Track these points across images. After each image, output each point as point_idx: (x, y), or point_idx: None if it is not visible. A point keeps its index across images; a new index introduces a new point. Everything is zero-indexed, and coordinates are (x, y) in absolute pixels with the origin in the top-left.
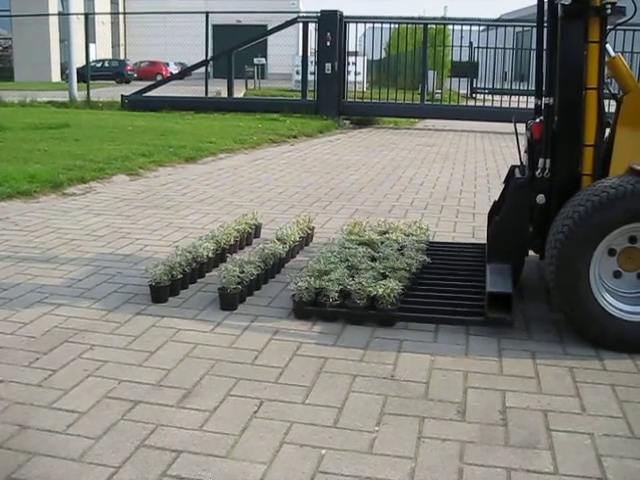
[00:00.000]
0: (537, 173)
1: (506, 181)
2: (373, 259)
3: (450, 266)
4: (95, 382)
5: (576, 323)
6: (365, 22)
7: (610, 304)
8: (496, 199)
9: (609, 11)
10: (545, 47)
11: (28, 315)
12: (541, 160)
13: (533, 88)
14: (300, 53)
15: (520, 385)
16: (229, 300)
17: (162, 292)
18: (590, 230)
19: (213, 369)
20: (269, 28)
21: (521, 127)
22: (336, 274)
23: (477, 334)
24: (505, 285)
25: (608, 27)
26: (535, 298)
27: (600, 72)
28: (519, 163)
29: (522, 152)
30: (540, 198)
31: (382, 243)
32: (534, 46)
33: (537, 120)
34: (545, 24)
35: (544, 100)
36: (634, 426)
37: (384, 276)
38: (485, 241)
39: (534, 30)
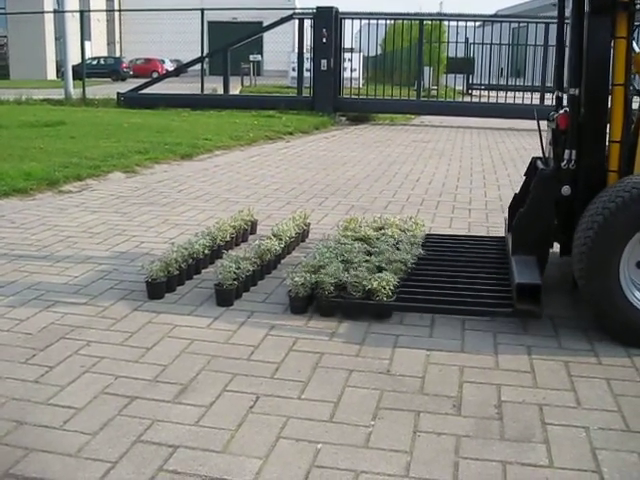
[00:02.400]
0: (562, 164)
1: (527, 174)
2: (369, 254)
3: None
4: (92, 378)
5: (607, 323)
6: (361, 18)
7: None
8: (517, 192)
9: (638, 6)
10: (568, 38)
11: (25, 312)
12: (567, 151)
13: (529, 84)
14: (296, 50)
15: (516, 379)
16: (225, 296)
17: (158, 288)
18: (621, 226)
19: (209, 365)
20: (265, 25)
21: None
22: (331, 268)
23: (473, 329)
24: (533, 276)
25: (636, 23)
26: None
27: (627, 68)
28: (540, 156)
29: (545, 144)
30: (565, 189)
31: (378, 239)
32: (530, 42)
33: (561, 111)
34: (567, 17)
35: (570, 91)
36: (629, 419)
37: (380, 270)
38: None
39: (530, 26)
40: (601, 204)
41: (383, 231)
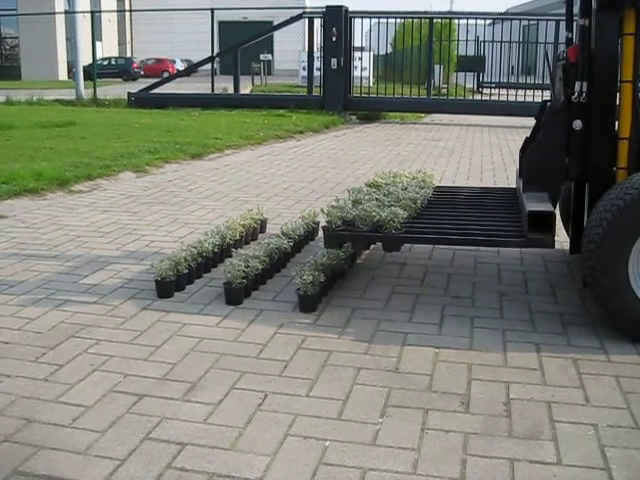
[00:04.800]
0: (573, 98)
1: (537, 117)
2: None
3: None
4: (101, 376)
5: (616, 320)
6: (370, 17)
7: None
8: (527, 136)
9: None
10: None
11: (35, 311)
12: (577, 83)
13: (539, 82)
14: (306, 49)
15: (524, 377)
16: (234, 295)
17: (168, 287)
18: (629, 223)
19: (218, 363)
20: (275, 24)
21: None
22: (340, 203)
23: (481, 326)
24: (545, 205)
25: None
26: (539, 290)
27: (635, 65)
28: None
29: (555, 84)
30: (577, 124)
31: (387, 184)
32: (541, 39)
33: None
34: None
35: (579, 22)
36: (638, 417)
37: (389, 207)
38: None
39: (540, 23)
40: (609, 201)
41: (393, 179)
